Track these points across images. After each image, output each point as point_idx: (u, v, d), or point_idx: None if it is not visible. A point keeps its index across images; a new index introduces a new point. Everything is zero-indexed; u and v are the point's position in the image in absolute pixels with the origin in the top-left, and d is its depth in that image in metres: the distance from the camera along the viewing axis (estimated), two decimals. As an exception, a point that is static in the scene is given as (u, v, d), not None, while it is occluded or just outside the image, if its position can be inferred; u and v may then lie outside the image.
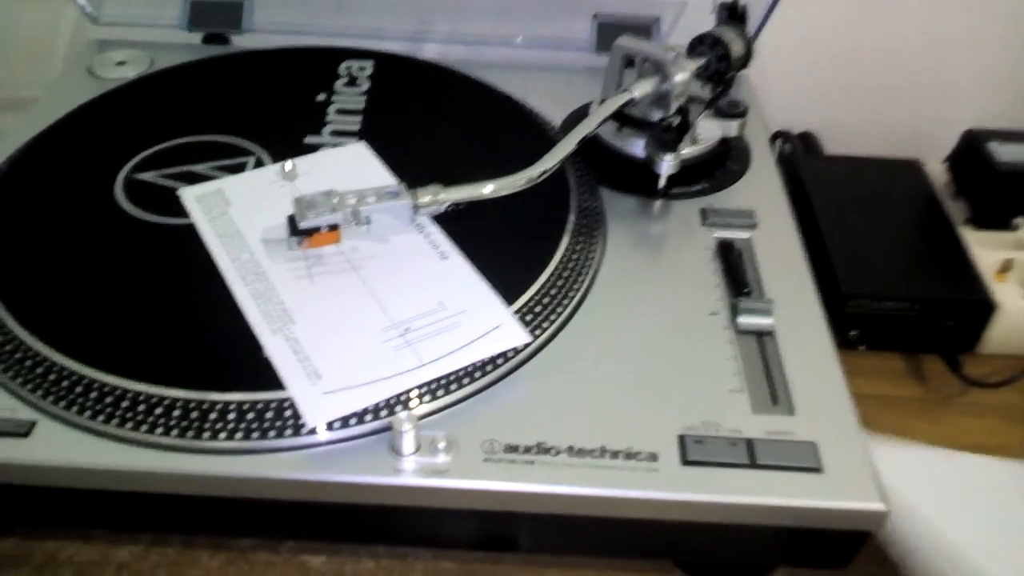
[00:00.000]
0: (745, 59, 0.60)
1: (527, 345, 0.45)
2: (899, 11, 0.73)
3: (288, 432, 0.41)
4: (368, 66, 0.64)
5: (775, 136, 0.73)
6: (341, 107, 0.61)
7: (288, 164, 0.54)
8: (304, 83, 0.63)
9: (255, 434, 0.41)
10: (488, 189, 0.49)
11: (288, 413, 0.42)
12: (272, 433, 0.41)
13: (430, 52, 0.72)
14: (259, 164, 0.56)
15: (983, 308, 0.57)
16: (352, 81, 0.63)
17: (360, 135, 0.58)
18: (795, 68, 0.74)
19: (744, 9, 0.63)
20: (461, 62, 0.66)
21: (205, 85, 0.63)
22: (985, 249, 0.60)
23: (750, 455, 0.41)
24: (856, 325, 0.58)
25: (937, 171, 0.67)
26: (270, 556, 0.49)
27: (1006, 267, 0.60)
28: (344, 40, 0.68)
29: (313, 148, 0.57)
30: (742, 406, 0.44)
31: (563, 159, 0.52)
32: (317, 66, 0.64)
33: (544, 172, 0.51)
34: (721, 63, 0.58)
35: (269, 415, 0.42)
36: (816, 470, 0.41)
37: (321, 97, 0.61)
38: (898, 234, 0.62)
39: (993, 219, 0.62)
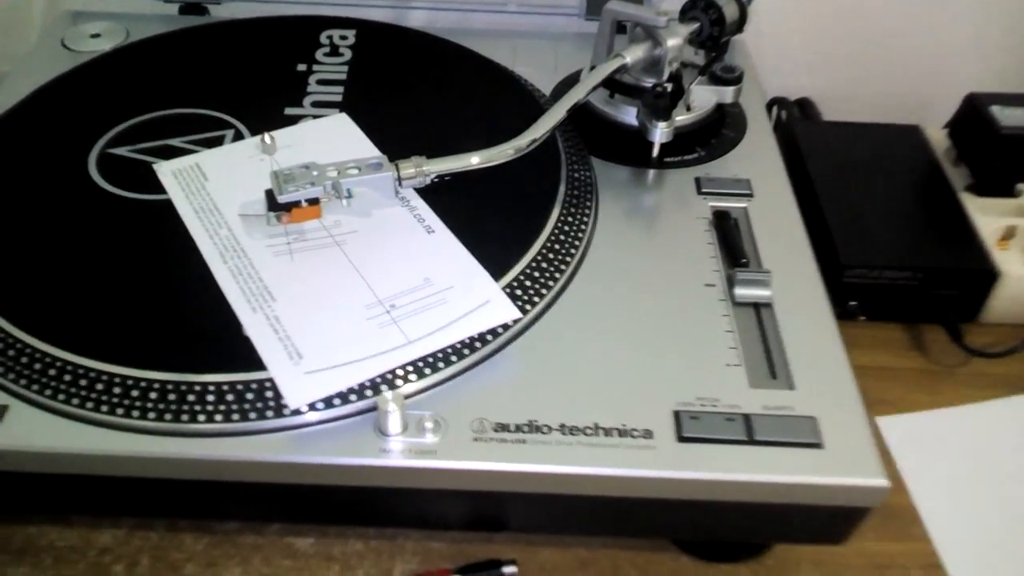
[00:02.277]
0: (740, 23, 0.57)
1: (517, 321, 0.44)
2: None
3: (270, 413, 0.40)
4: (350, 35, 0.62)
5: (771, 103, 0.71)
6: (322, 77, 0.59)
7: (267, 137, 0.52)
8: (284, 53, 0.61)
9: (236, 416, 0.40)
10: (475, 160, 0.47)
11: (270, 394, 0.40)
12: (253, 415, 0.40)
13: (416, 20, 0.70)
14: (238, 137, 0.54)
15: (985, 277, 0.55)
16: (334, 50, 0.61)
17: (342, 106, 0.56)
18: (792, 32, 0.72)
19: (739, -29, 0.61)
20: (447, 30, 0.64)
21: (182, 57, 0.61)
22: (987, 216, 0.59)
23: (748, 431, 0.40)
24: (855, 295, 0.56)
25: (937, 137, 0.65)
26: (256, 539, 0.47)
27: (1008, 234, 0.58)
28: (326, 8, 0.66)
29: (294, 120, 0.55)
30: (739, 380, 0.42)
31: (552, 128, 0.50)
32: (297, 35, 0.62)
33: (533, 142, 0.49)
34: (715, 27, 0.56)
35: (250, 396, 0.40)
36: (816, 445, 0.40)
37: (302, 67, 0.59)
38: (898, 202, 0.60)
39: (995, 185, 0.60)
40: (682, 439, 0.40)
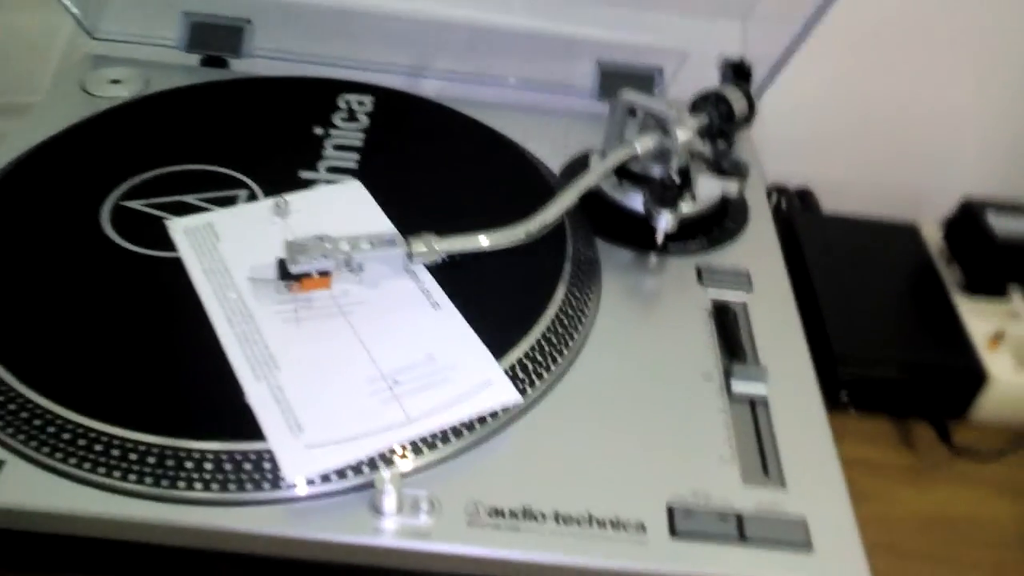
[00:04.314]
0: (749, 117, 0.59)
1: (517, 404, 0.44)
2: (903, 76, 0.73)
3: (266, 485, 0.40)
4: (367, 101, 0.64)
5: (770, 190, 0.73)
6: (338, 143, 0.60)
7: (281, 200, 0.53)
8: (302, 115, 0.62)
9: (232, 485, 0.40)
10: (486, 242, 0.48)
11: (267, 465, 0.41)
12: (249, 485, 0.40)
13: (429, 88, 0.71)
14: (252, 197, 0.55)
15: (974, 377, 0.56)
16: (351, 116, 0.62)
17: (356, 173, 0.57)
18: (794, 124, 0.74)
19: (750, 67, 0.63)
20: (459, 100, 0.66)
21: (200, 111, 0.62)
22: (978, 318, 0.60)
23: (740, 530, 0.41)
24: (846, 387, 0.57)
25: (932, 235, 0.67)
26: (241, 605, 0.47)
27: (998, 337, 0.59)
28: (343, 71, 0.67)
29: (308, 183, 0.56)
30: (733, 476, 0.43)
31: (563, 213, 0.51)
32: (316, 98, 0.63)
33: (544, 226, 0.50)
34: (724, 121, 0.58)
35: (247, 466, 0.41)
36: (806, 548, 0.40)
37: (318, 131, 0.60)
38: (892, 298, 0.62)
39: (987, 288, 0.61)
40: (675, 534, 0.40)
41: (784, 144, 0.74)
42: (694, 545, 0.40)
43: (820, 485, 0.43)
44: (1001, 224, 0.61)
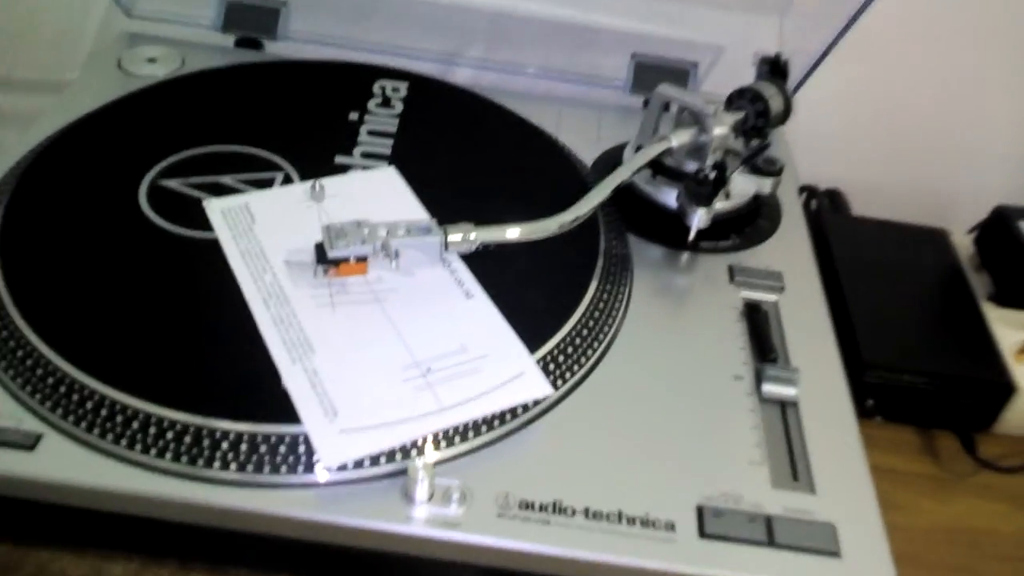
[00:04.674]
0: (784, 115, 0.59)
1: (548, 396, 0.44)
2: (936, 77, 0.72)
3: (299, 468, 0.41)
4: (403, 87, 0.64)
5: (801, 189, 0.73)
6: (373, 128, 0.60)
7: (317, 184, 0.53)
8: (337, 99, 0.62)
9: (265, 467, 0.41)
10: (519, 233, 0.48)
11: (301, 449, 0.41)
12: (283, 468, 0.41)
13: (461, 76, 0.71)
14: (287, 180, 0.55)
15: (1002, 390, 0.56)
16: (386, 102, 0.62)
17: (391, 159, 0.57)
18: (827, 123, 0.74)
19: (786, 64, 0.62)
20: (492, 89, 0.66)
21: (237, 92, 0.62)
22: (1007, 327, 0.60)
23: (768, 533, 0.41)
24: (873, 394, 0.57)
25: (963, 242, 0.66)
26: (265, 585, 0.48)
27: (1026, 348, 0.59)
28: (377, 56, 0.67)
29: (343, 168, 0.56)
30: (762, 479, 0.43)
31: (597, 206, 0.51)
32: (351, 83, 0.63)
33: (577, 219, 0.50)
34: (759, 119, 0.58)
35: (282, 449, 0.41)
36: (834, 554, 0.40)
37: (354, 116, 0.60)
38: (921, 304, 0.61)
39: (1017, 298, 0.61)
40: (704, 535, 0.40)
41: (815, 143, 0.73)
42: (722, 546, 0.40)
43: (850, 491, 0.43)
44: (1034, 234, 0.60)
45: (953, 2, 0.70)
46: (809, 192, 0.72)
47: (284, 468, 0.41)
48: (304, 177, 0.55)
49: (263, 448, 0.41)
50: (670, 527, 0.41)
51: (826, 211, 0.70)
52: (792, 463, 0.44)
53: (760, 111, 0.58)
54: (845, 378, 0.49)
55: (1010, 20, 0.70)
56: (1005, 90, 0.72)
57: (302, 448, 0.41)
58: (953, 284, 0.63)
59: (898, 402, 0.58)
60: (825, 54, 0.62)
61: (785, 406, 0.47)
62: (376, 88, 0.63)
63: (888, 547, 0.41)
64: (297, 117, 0.60)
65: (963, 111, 0.73)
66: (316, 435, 0.41)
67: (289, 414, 0.42)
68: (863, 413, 0.57)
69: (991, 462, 0.56)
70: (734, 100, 0.58)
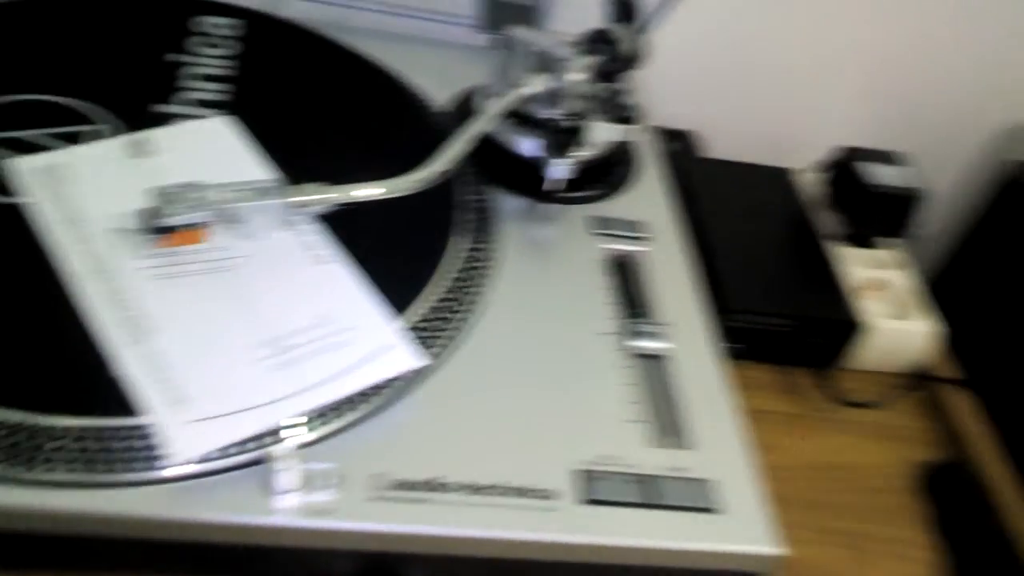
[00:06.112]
0: (636, 58, 0.57)
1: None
2: (784, 21, 0.73)
3: (145, 464, 0.36)
4: (228, 24, 0.57)
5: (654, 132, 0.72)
6: (198, 71, 0.53)
7: (141, 137, 0.47)
8: (154, 39, 0.55)
9: (107, 465, 0.36)
10: (378, 191, 0.45)
11: (145, 443, 0.36)
12: (127, 464, 0.36)
13: (294, 10, 0.65)
14: (103, 134, 0.48)
15: (850, 328, 0.58)
16: (209, 41, 0.56)
17: (222, 106, 0.52)
18: (676, 65, 0.73)
19: (634, 4, 0.61)
20: (330, 24, 0.60)
21: (36, 31, 0.54)
22: (854, 266, 0.62)
23: (648, 493, 0.40)
24: (739, 338, 0.58)
25: (808, 179, 0.68)
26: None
27: (871, 284, 0.61)
28: None
29: (166, 119, 0.50)
30: (639, 438, 0.43)
31: (456, 159, 0.48)
32: (168, 19, 0.56)
33: (436, 173, 0.47)
34: (613, 62, 0.56)
35: (121, 444, 0.36)
36: (713, 510, 0.40)
37: (176, 57, 0.54)
38: (772, 245, 0.63)
39: (861, 236, 0.63)
40: (585, 501, 0.39)
41: (665, 84, 0.73)
42: (605, 511, 0.39)
43: (723, 443, 0.43)
44: (873, 174, 0.62)
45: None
46: (662, 134, 0.72)
47: (131, 464, 0.36)
48: (124, 130, 0.48)
49: (103, 444, 0.36)
50: (552, 496, 0.39)
51: (680, 154, 0.70)
52: (667, 419, 0.44)
53: (613, 55, 0.56)
54: (712, 327, 0.49)
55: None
56: (846, 34, 0.74)
57: (145, 442, 0.36)
58: (801, 225, 0.65)
59: (761, 343, 0.59)
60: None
61: (656, 360, 0.46)
62: (197, 25, 0.56)
63: (763, 499, 0.41)
64: (108, 60, 0.53)
65: (808, 53, 0.74)
66: (164, 427, 0.37)
67: (129, 405, 0.37)
68: (730, 356, 0.58)
69: (844, 397, 0.58)
70: (586, 43, 0.56)
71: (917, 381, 0.61)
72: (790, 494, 0.53)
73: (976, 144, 0.79)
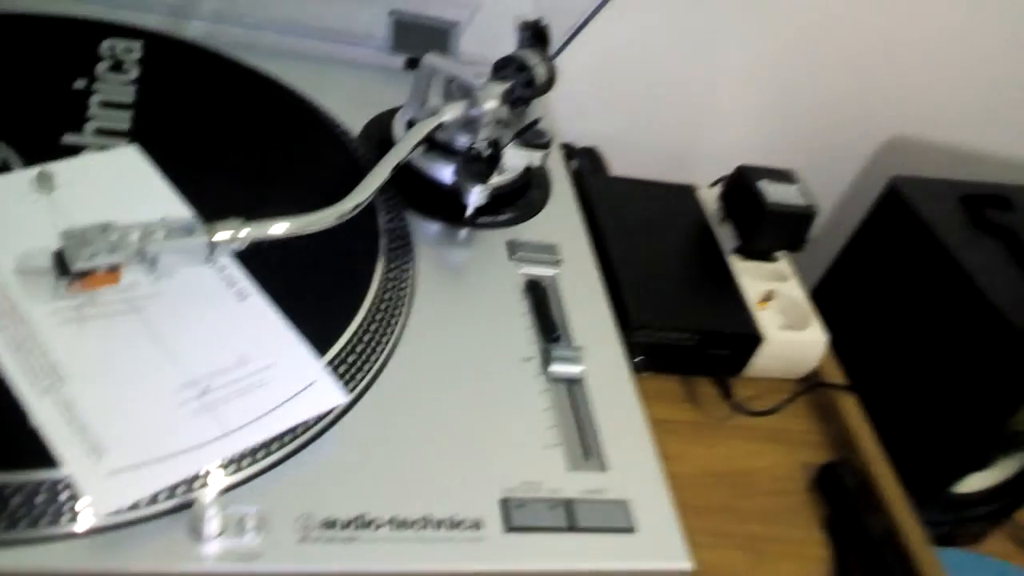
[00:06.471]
0: (549, 83, 0.59)
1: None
2: (687, 42, 0.76)
3: (62, 519, 0.35)
4: (136, 48, 0.56)
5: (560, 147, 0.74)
6: (106, 98, 0.52)
7: (45, 171, 0.46)
8: (59, 63, 0.53)
9: (22, 522, 0.35)
10: (296, 226, 0.45)
11: (65, 496, 0.36)
12: (44, 520, 0.35)
13: (196, 30, 0.63)
14: (4, 167, 0.47)
15: (752, 340, 0.62)
16: (118, 66, 0.54)
17: (130, 135, 0.50)
18: (583, 83, 0.75)
19: (546, 30, 0.62)
20: (236, 45, 0.59)
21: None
22: (751, 278, 0.65)
23: (569, 517, 0.42)
24: (642, 352, 0.60)
25: (707, 195, 0.71)
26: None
27: (767, 296, 0.65)
28: (90, 7, 0.58)
29: (74, 150, 0.49)
30: (558, 463, 0.44)
31: (376, 191, 0.48)
32: (74, 43, 0.54)
33: (356, 206, 0.47)
34: (526, 88, 0.57)
35: (42, 498, 0.36)
36: (629, 530, 0.42)
37: (81, 84, 0.52)
38: (676, 261, 0.65)
39: (758, 251, 0.67)
40: (510, 529, 0.41)
41: (572, 102, 0.75)
42: (528, 537, 0.41)
43: (637, 464, 0.45)
44: (769, 191, 0.65)
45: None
46: (568, 151, 0.74)
47: (44, 520, 0.35)
48: (26, 162, 0.47)
49: (16, 500, 0.35)
50: (477, 525, 0.40)
51: (587, 172, 0.72)
52: (583, 442, 0.46)
53: (526, 80, 0.57)
54: (623, 349, 0.51)
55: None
56: (744, 54, 0.77)
57: (64, 496, 0.36)
58: (703, 239, 0.67)
59: (663, 356, 0.61)
60: (586, 22, 0.62)
61: (572, 384, 0.48)
62: (105, 49, 0.55)
63: (676, 513, 0.44)
64: (8, 87, 0.51)
65: (706, 72, 0.77)
66: (81, 480, 0.36)
67: (44, 457, 0.36)
68: (634, 369, 0.60)
69: (744, 405, 0.61)
70: (500, 69, 0.57)
71: (808, 386, 0.64)
72: (690, 500, 0.55)
73: (864, 157, 0.84)
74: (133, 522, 0.36)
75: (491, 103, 0.53)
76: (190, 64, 0.57)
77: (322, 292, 0.47)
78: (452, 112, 0.53)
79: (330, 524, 0.39)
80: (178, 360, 0.41)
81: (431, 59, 0.54)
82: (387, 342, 0.46)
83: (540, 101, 0.66)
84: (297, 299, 0.45)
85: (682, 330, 0.60)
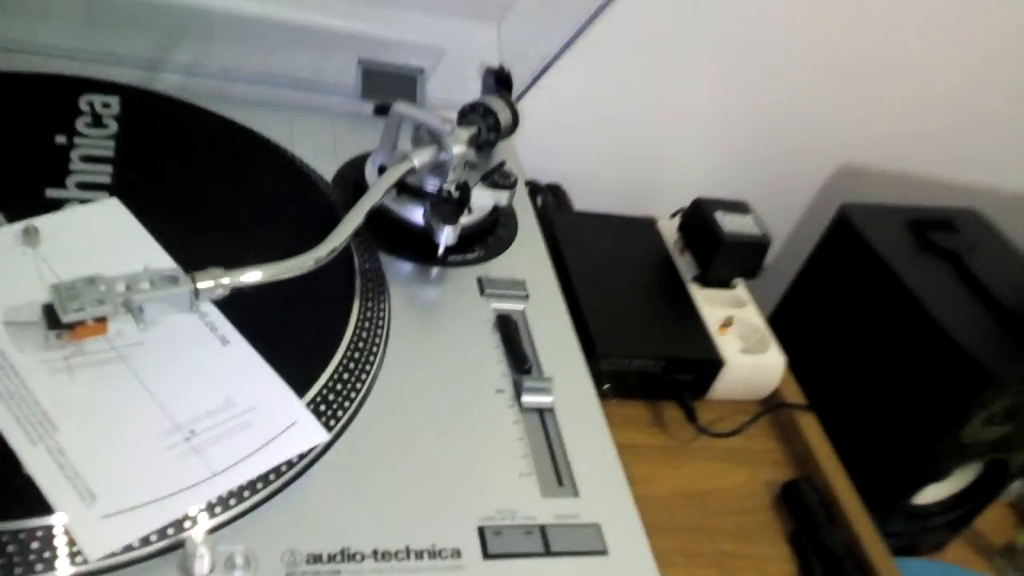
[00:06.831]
0: (513, 127, 0.62)
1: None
2: (646, 82, 0.79)
3: (57, 563, 0.37)
4: (114, 103, 0.58)
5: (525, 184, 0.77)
6: (86, 153, 0.54)
7: (30, 226, 0.47)
8: (41, 120, 0.55)
9: (18, 570, 0.37)
10: (275, 272, 0.47)
11: (58, 542, 0.37)
12: (40, 566, 0.37)
13: (168, 83, 0.65)
14: (-11, 223, 0.48)
15: (714, 365, 0.64)
16: (97, 121, 0.56)
17: (111, 188, 0.52)
18: (548, 122, 0.78)
19: (509, 76, 0.65)
20: (209, 96, 0.61)
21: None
22: (711, 306, 0.68)
23: (544, 543, 0.44)
24: (608, 379, 0.63)
25: (667, 226, 0.74)
26: None
27: (727, 322, 0.68)
28: (61, 62, 0.59)
29: (57, 204, 0.50)
30: (532, 490, 0.46)
31: (351, 236, 0.50)
32: (53, 99, 0.56)
33: (333, 251, 0.49)
34: (491, 132, 0.60)
35: (35, 546, 0.37)
36: (603, 552, 0.44)
37: (62, 139, 0.54)
38: (639, 290, 0.68)
39: (717, 279, 0.70)
40: (488, 556, 0.43)
41: (537, 140, 0.77)
42: (505, 563, 0.43)
43: (606, 487, 0.48)
44: (727, 222, 0.69)
45: (657, 16, 0.77)
46: (533, 189, 0.76)
47: (40, 566, 0.37)
48: (10, 218, 0.48)
49: (11, 547, 0.37)
50: (456, 554, 0.42)
51: (552, 208, 0.75)
52: (556, 469, 0.48)
53: (491, 125, 0.60)
54: (591, 377, 0.54)
55: (715, 29, 0.78)
56: (704, 94, 0.81)
57: (59, 540, 0.37)
58: (664, 270, 0.71)
59: (630, 383, 0.64)
60: (548, 67, 0.65)
61: (543, 413, 0.50)
62: (83, 104, 0.57)
63: (645, 535, 0.46)
64: (-8, 144, 0.53)
65: (662, 111, 0.81)
66: (75, 525, 0.37)
67: (38, 505, 0.38)
68: (601, 395, 0.62)
69: (708, 428, 0.64)
70: (466, 114, 0.60)
71: (769, 407, 0.67)
72: (662, 522, 0.58)
73: (815, 186, 0.88)
74: (126, 564, 0.38)
75: (459, 147, 0.56)
76: (166, 116, 0.59)
77: (301, 333, 0.48)
78: (421, 157, 0.55)
79: (315, 558, 0.40)
80: (165, 405, 0.42)
81: (400, 107, 0.56)
82: (365, 380, 0.48)
83: (506, 141, 0.69)
84: (277, 341, 0.47)
85: (647, 357, 0.63)
